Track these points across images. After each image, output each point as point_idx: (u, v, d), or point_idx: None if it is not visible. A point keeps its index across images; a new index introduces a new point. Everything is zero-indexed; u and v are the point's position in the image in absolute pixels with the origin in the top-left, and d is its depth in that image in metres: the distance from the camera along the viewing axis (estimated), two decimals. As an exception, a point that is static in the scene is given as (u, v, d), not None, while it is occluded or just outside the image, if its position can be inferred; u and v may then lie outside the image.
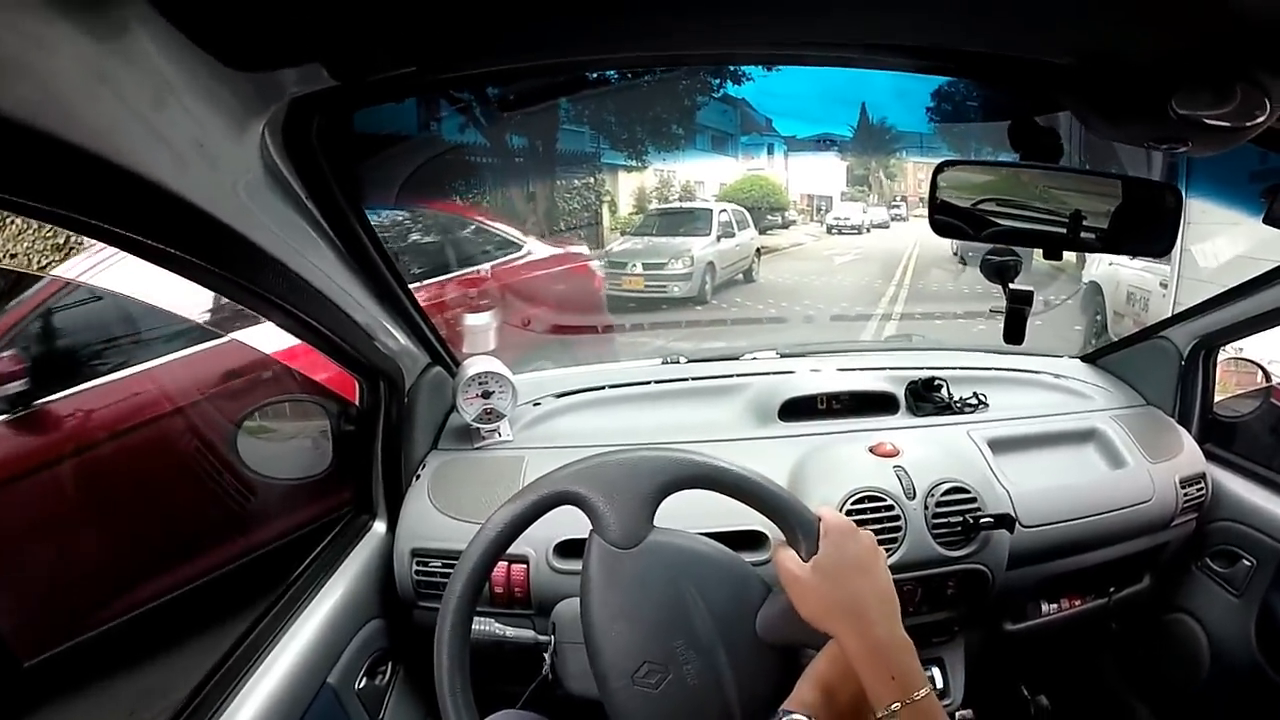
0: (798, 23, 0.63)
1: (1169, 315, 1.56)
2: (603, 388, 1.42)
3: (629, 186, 13.57)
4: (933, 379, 1.45)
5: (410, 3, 0.52)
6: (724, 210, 9.76)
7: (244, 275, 0.73)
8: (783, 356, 1.59)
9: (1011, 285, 0.94)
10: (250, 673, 0.88)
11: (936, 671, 1.23)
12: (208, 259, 0.65)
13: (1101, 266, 5.82)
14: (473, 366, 1.24)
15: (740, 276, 9.61)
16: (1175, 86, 0.61)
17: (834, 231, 16.66)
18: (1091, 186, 0.86)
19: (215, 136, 0.58)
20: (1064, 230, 0.86)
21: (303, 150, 0.73)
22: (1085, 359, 1.72)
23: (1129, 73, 0.64)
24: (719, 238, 8.93)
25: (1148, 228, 0.87)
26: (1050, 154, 0.81)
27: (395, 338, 1.13)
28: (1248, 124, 0.63)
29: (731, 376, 1.47)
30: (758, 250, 10.41)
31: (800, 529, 0.78)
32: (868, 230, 16.79)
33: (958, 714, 1.31)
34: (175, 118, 0.51)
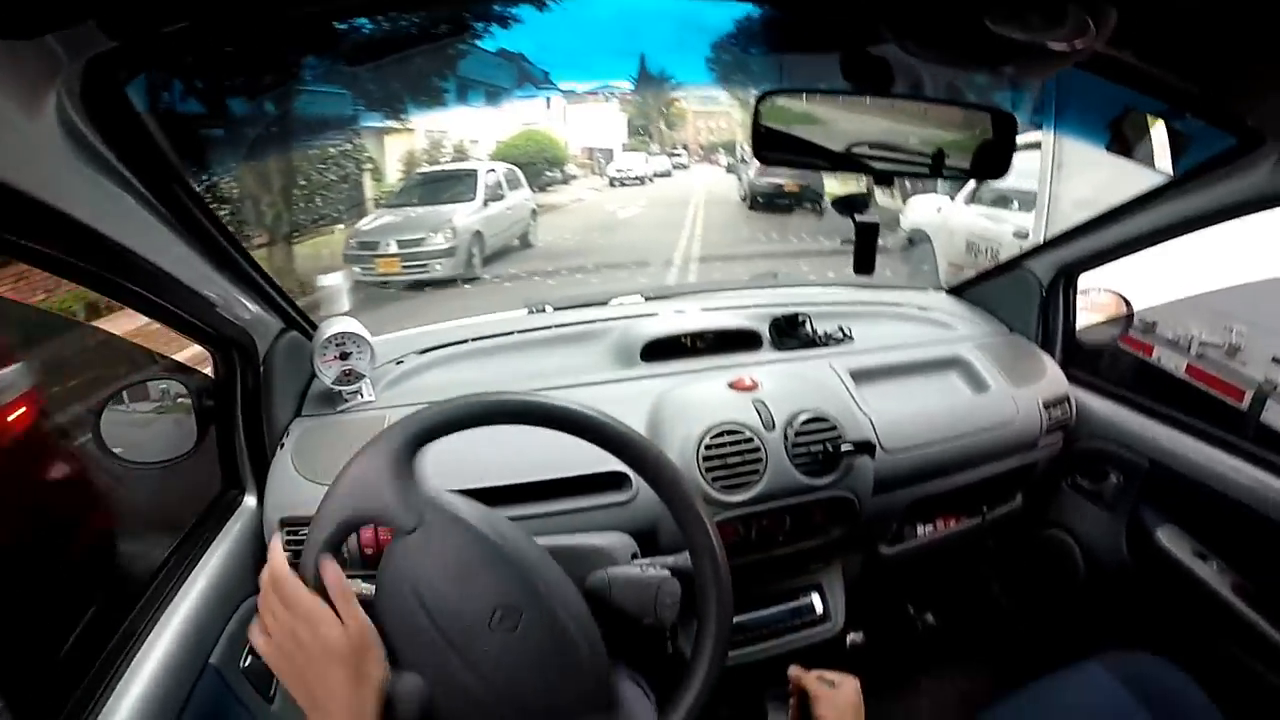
0: None
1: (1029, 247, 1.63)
2: (465, 341, 1.40)
3: (397, 151, 12.76)
4: (796, 315, 1.48)
5: None
6: (492, 170, 8.90)
7: (61, 248, 0.70)
8: (648, 300, 1.60)
9: (858, 217, 0.95)
10: (126, 663, 0.85)
11: (816, 596, 1.28)
12: (17, 232, 0.63)
13: (927, 213, 5.69)
14: (328, 329, 1.19)
15: (515, 242, 8.96)
16: (988, 5, 0.61)
17: (617, 184, 16.74)
18: (924, 114, 0.87)
19: (4, 107, 0.55)
20: (898, 157, 0.88)
21: (108, 115, 0.69)
22: (950, 291, 1.78)
23: None
24: (486, 201, 8.16)
25: (984, 152, 0.90)
26: (881, 83, 0.82)
27: (245, 305, 1.07)
28: (1068, 47, 0.64)
29: (596, 322, 1.47)
30: (533, 211, 9.78)
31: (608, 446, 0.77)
32: (651, 180, 17.30)
33: (848, 637, 1.37)
34: None
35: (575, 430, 0.77)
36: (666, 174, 18.59)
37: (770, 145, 0.83)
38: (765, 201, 12.30)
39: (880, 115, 0.85)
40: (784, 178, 11.97)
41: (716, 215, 12.10)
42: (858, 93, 0.83)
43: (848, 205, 0.95)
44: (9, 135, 0.57)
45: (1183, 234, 1.29)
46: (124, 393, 1.17)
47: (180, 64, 0.78)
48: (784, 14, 0.77)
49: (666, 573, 0.80)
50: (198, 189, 0.88)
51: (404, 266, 6.55)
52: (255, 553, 1.10)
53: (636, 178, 16.71)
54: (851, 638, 1.38)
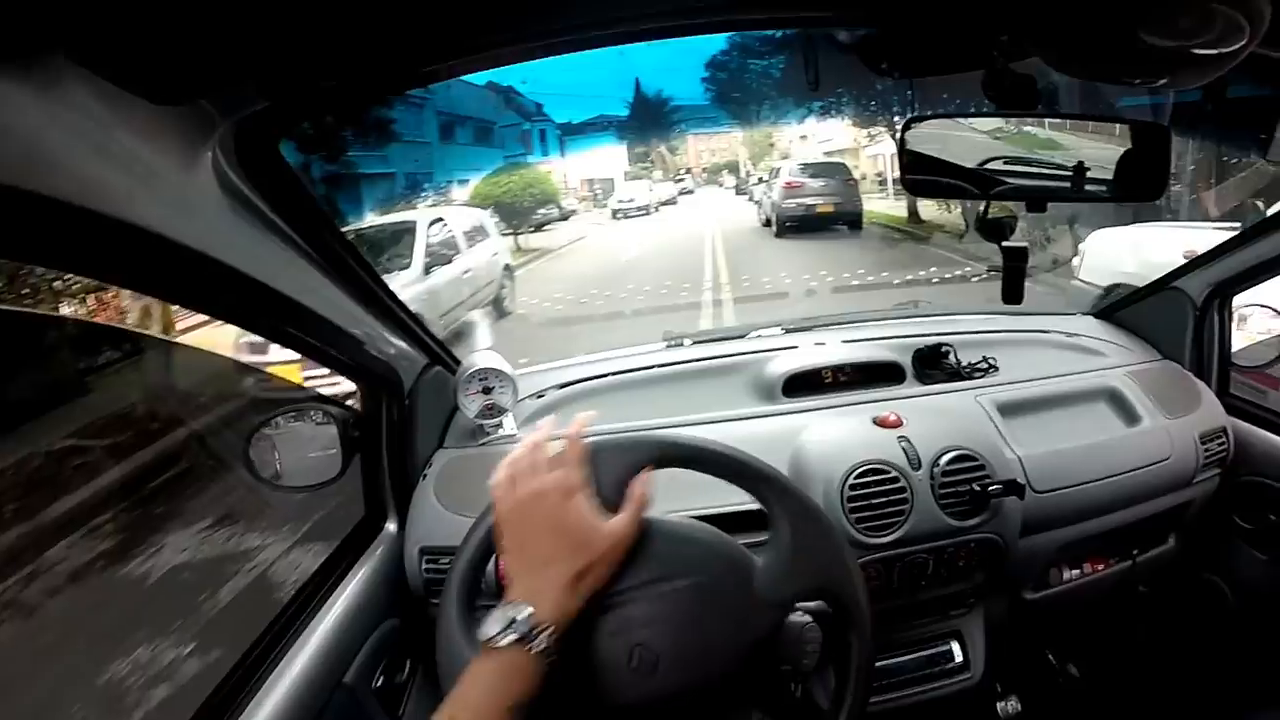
0: None
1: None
2: (605, 375, 1.41)
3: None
4: (939, 345, 1.43)
5: (318, 23, 0.54)
6: (440, 221, 6.62)
7: (221, 296, 0.75)
8: (788, 332, 1.58)
9: (1005, 243, 0.91)
10: (265, 676, 0.89)
11: (955, 644, 1.21)
12: (182, 283, 0.68)
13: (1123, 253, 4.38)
14: (472, 363, 1.25)
15: (479, 315, 6.62)
16: (1142, 15, 0.58)
17: (619, 215, 15.70)
18: (1077, 133, 0.84)
19: (165, 167, 0.59)
20: (1056, 181, 0.84)
21: (261, 168, 0.74)
22: (1098, 315, 1.68)
23: (1090, 4, 0.62)
24: (429, 268, 5.95)
25: (1138, 171, 0.85)
26: (1026, 101, 0.79)
27: (390, 342, 1.14)
28: (1224, 50, 0.61)
29: (735, 355, 1.46)
30: (507, 267, 7.74)
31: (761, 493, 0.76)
32: (656, 209, 16.29)
33: (1000, 705, 1.31)
34: (121, 156, 0.53)
35: (713, 469, 0.77)
36: (672, 201, 17.77)
37: (918, 173, 0.81)
38: (796, 225, 10.88)
39: (1024, 135, 0.82)
40: (816, 196, 10.77)
41: (740, 247, 10.86)
42: (1001, 113, 0.80)
43: (993, 230, 0.90)
44: (169, 192, 0.61)
45: None
46: (273, 420, 1.27)
47: (327, 119, 0.83)
48: (922, 36, 0.76)
49: (808, 618, 0.78)
50: (345, 234, 0.95)
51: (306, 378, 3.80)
52: (394, 578, 1.15)
53: (640, 208, 15.74)
54: (1005, 707, 1.29)
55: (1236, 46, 0.60)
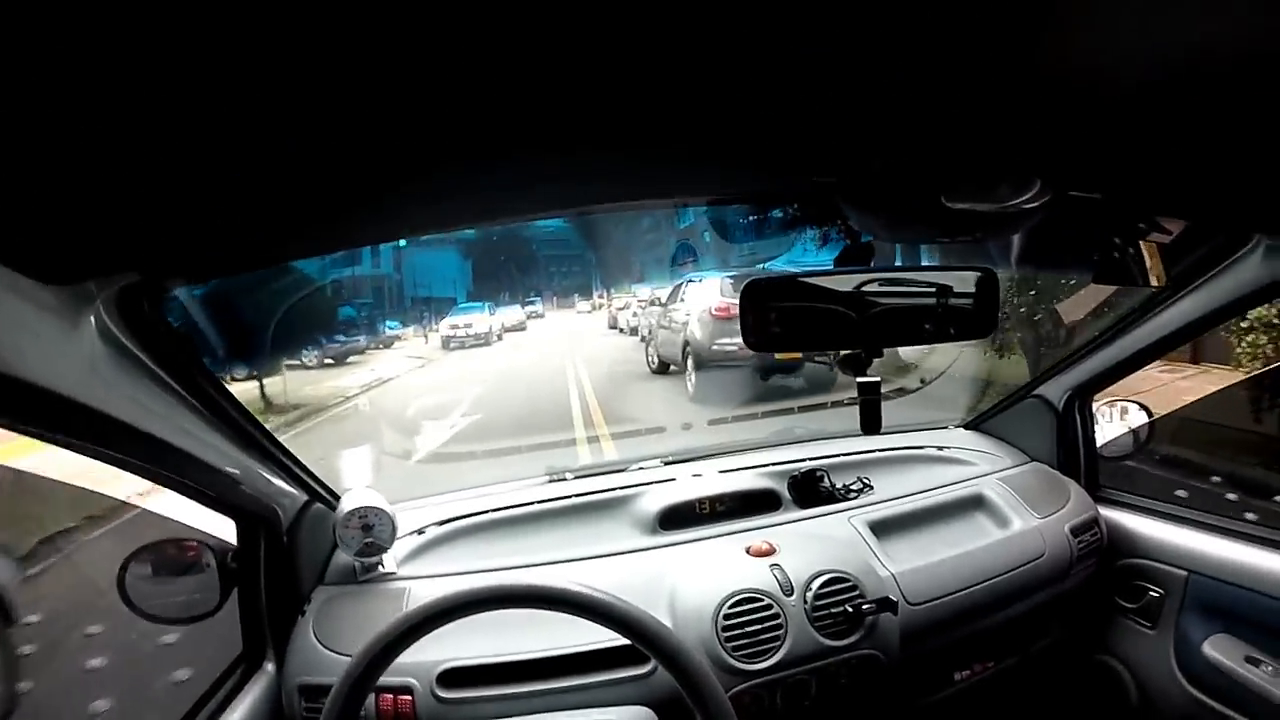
0: (602, 185, 0.68)
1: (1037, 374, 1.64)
2: (485, 512, 1.41)
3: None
4: (813, 470, 1.48)
5: (187, 210, 0.56)
6: None
7: (104, 442, 0.76)
8: (667, 464, 1.60)
9: (860, 379, 0.97)
10: None
11: None
12: (64, 430, 0.69)
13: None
14: (350, 501, 1.23)
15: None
16: (945, 185, 0.64)
17: (452, 345, 12.47)
18: (907, 283, 0.91)
19: (49, 331, 0.61)
20: (905, 325, 0.91)
21: (143, 326, 0.75)
22: (968, 426, 1.78)
23: (894, 181, 0.67)
24: None
25: (968, 312, 0.92)
26: (862, 256, 0.86)
27: (268, 481, 1.12)
28: (1022, 206, 0.66)
29: (615, 490, 1.48)
30: None
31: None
32: (499, 336, 13.37)
33: None
34: (7, 322, 0.55)
35: (577, 611, 0.79)
36: (519, 327, 15.00)
37: (764, 334, 0.85)
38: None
39: (868, 287, 0.88)
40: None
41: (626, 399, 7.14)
42: (842, 270, 0.86)
43: (851, 365, 0.96)
44: (51, 349, 0.62)
45: (1188, 339, 1.30)
46: (149, 549, 1.21)
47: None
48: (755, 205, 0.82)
49: None
50: (220, 380, 0.95)
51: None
52: (272, 717, 1.10)
53: (478, 336, 12.68)
54: None
55: (1042, 202, 0.66)
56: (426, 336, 13.83)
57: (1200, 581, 1.32)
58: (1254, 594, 1.21)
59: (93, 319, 0.68)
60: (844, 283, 0.87)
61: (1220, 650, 1.26)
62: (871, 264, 0.86)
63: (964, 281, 0.92)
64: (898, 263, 0.98)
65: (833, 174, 0.69)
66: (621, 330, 12.91)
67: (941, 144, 0.61)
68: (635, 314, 11.98)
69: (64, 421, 0.67)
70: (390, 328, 13.80)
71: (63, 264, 0.58)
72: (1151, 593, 1.41)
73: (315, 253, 0.77)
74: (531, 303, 17.71)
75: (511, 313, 15.78)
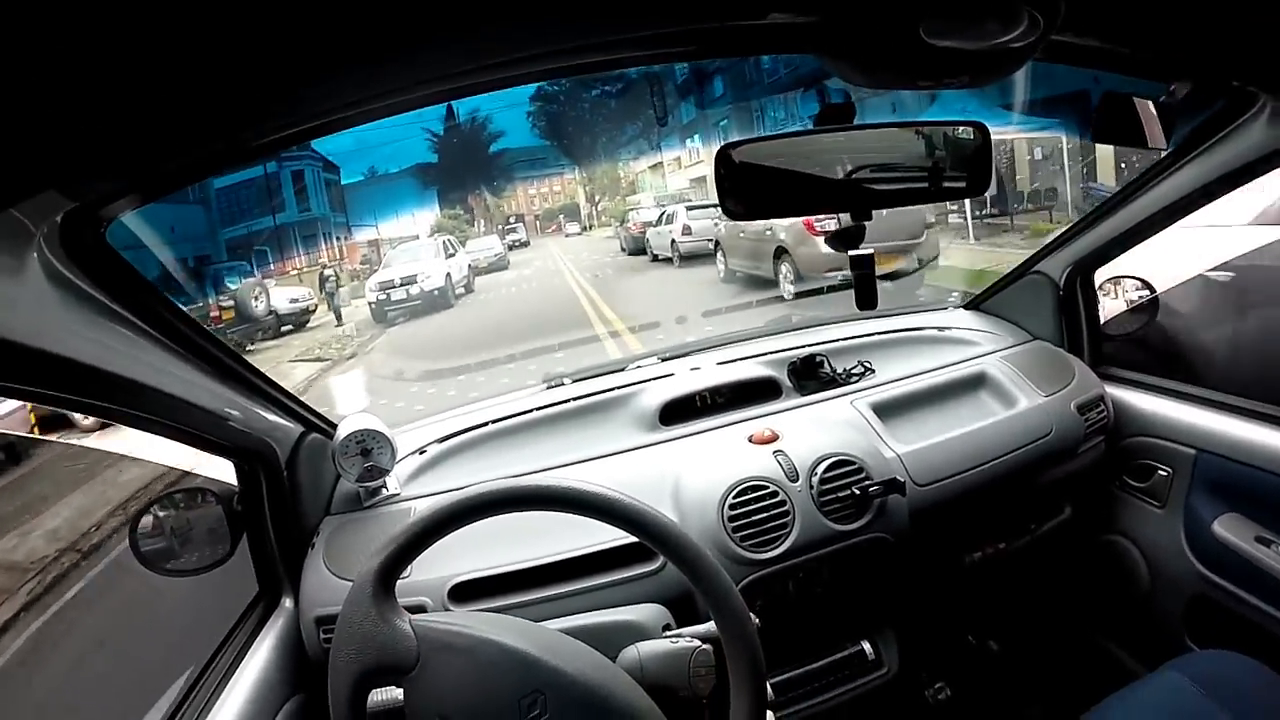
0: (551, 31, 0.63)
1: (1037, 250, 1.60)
2: (486, 424, 1.40)
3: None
4: (812, 356, 1.46)
5: (112, 120, 0.52)
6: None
7: (71, 389, 0.73)
8: (664, 360, 1.59)
9: (852, 253, 0.93)
10: None
11: (866, 644, 1.23)
12: (20, 381, 0.66)
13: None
14: (346, 427, 1.22)
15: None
16: (924, 16, 0.58)
17: (390, 314, 8.93)
18: (894, 140, 0.87)
19: None
20: (897, 181, 0.87)
21: (90, 259, 0.72)
22: (968, 306, 1.75)
23: (864, 12, 0.62)
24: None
25: (961, 169, 0.88)
26: (842, 115, 0.81)
27: (260, 416, 1.10)
28: (1018, 45, 0.62)
29: (613, 390, 1.46)
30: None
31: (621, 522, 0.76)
32: (464, 290, 9.92)
33: (933, 692, 1.35)
34: None
35: (580, 510, 0.77)
36: (498, 265, 11.85)
37: (739, 200, 0.81)
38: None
39: (853, 146, 0.84)
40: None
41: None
42: (823, 129, 0.82)
43: (842, 240, 0.92)
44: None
45: (1190, 210, 1.25)
46: (155, 505, 1.21)
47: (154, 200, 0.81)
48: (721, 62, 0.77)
49: (698, 643, 0.78)
50: (189, 312, 0.91)
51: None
52: (295, 652, 1.11)
53: (429, 291, 8.85)
54: (932, 694, 1.32)
55: (1031, 40, 0.61)
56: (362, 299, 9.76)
57: (1209, 460, 1.30)
58: (1264, 473, 1.20)
59: (35, 257, 0.64)
60: (826, 142, 0.82)
61: (1230, 530, 1.26)
62: (853, 122, 0.82)
63: (954, 136, 0.88)
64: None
65: (794, 9, 0.64)
66: (656, 256, 10.26)
67: None
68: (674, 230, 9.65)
69: (21, 371, 0.65)
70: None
71: None
72: (1160, 471, 1.40)
73: (254, 153, 0.72)
74: (513, 229, 15.11)
75: (484, 246, 12.33)
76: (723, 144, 0.79)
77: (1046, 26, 0.60)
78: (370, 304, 9.04)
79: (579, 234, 16.44)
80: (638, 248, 11.25)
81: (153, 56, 0.46)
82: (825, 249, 5.24)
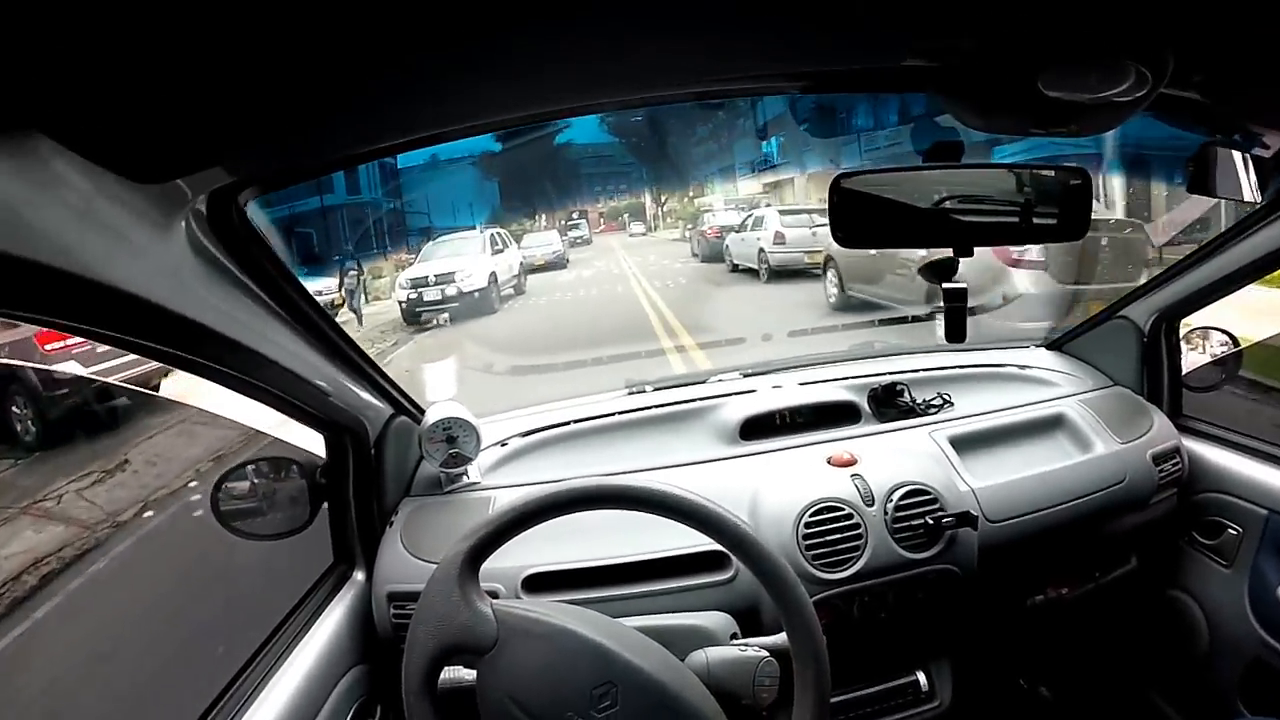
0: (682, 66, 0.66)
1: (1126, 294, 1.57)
2: (568, 423, 1.43)
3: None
4: (894, 384, 1.46)
5: (274, 111, 0.58)
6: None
7: (194, 351, 0.78)
8: (746, 376, 1.60)
9: (946, 285, 0.94)
10: None
11: (921, 675, 1.23)
12: (157, 340, 0.71)
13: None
14: (435, 413, 1.26)
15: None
16: (1040, 69, 0.61)
17: (422, 316, 7.87)
18: (997, 181, 0.88)
19: (141, 233, 0.63)
20: (989, 221, 0.88)
21: (229, 234, 0.77)
22: (1050, 346, 1.72)
23: (988, 62, 0.65)
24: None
25: (1060, 214, 0.89)
26: (951, 154, 0.83)
27: (355, 394, 1.16)
28: (1127, 99, 0.63)
29: (695, 401, 1.48)
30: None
31: (713, 532, 0.78)
32: (511, 291, 8.64)
33: None
34: (98, 224, 0.56)
35: (668, 513, 0.80)
36: (557, 263, 10.89)
37: (849, 227, 0.84)
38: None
39: (959, 185, 0.85)
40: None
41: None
42: (931, 166, 0.84)
43: (936, 272, 0.93)
44: (144, 255, 0.64)
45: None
46: (241, 469, 1.28)
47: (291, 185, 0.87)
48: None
49: (765, 654, 0.80)
50: (310, 291, 0.97)
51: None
52: (363, 624, 1.16)
53: (458, 293, 7.66)
54: None
55: (1140, 94, 0.63)
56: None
57: None
58: None
59: (183, 224, 0.69)
60: (933, 179, 0.84)
61: None
62: (961, 160, 0.83)
63: (1057, 181, 0.89)
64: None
65: (925, 56, 0.67)
66: (736, 266, 8.95)
67: (1036, 23, 0.58)
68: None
69: (152, 329, 0.69)
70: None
71: (152, 161, 0.59)
72: (1230, 529, 1.36)
73: (387, 152, 0.79)
74: (575, 225, 14.06)
75: (542, 241, 11.07)
76: (838, 173, 0.82)
77: (1155, 82, 0.62)
78: (400, 304, 7.82)
79: (643, 234, 15.85)
80: (713, 254, 10.16)
81: (316, 59, 0.51)
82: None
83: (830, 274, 6.74)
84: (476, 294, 7.78)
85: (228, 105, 0.55)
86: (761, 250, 8.31)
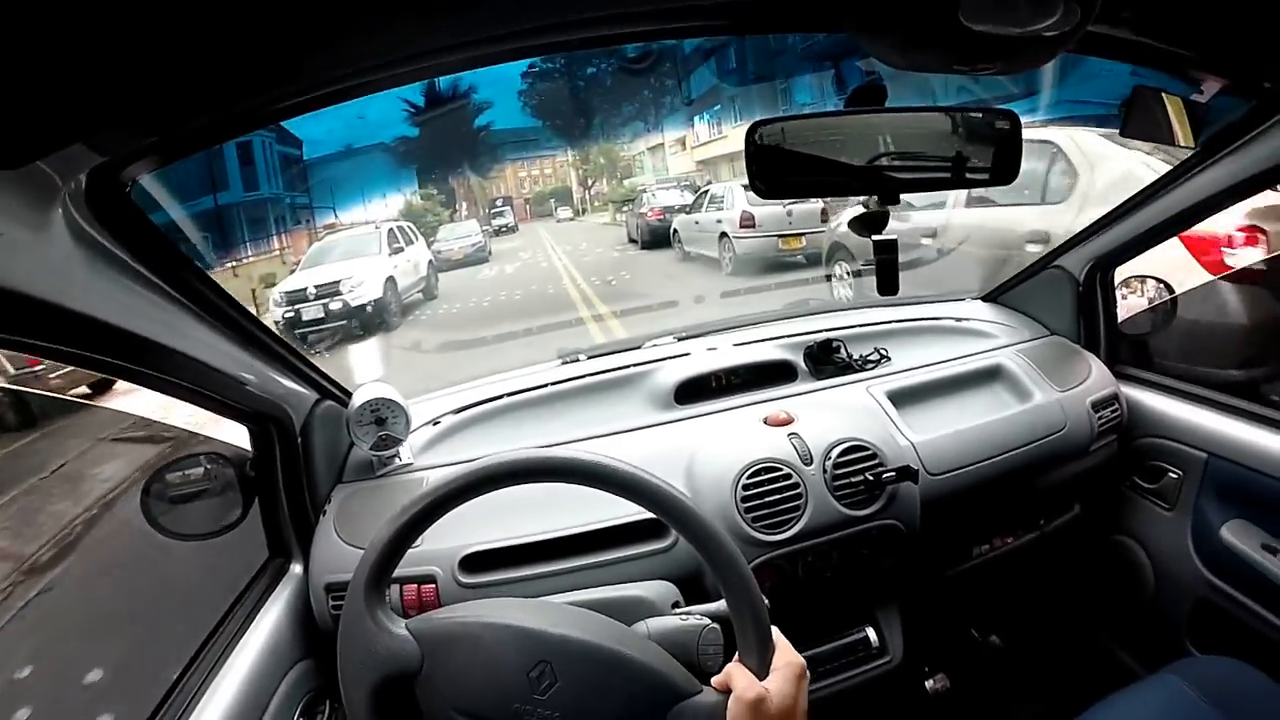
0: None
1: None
2: (500, 397, 1.40)
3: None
4: (829, 341, 1.46)
5: (135, 69, 0.52)
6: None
7: (92, 349, 0.74)
8: (680, 340, 1.59)
9: (876, 237, 0.92)
10: None
11: (871, 631, 1.23)
12: (49, 339, 0.67)
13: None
14: (360, 395, 1.22)
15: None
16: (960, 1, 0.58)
17: (297, 331, 6.53)
18: (924, 125, 0.86)
19: (14, 223, 0.59)
20: (920, 167, 0.86)
21: (116, 217, 0.72)
22: (985, 298, 1.74)
23: None
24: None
25: (990, 157, 0.87)
26: (875, 97, 0.81)
27: (277, 381, 1.11)
28: (1054, 34, 0.61)
29: (629, 367, 1.46)
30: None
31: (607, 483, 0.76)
32: (422, 290, 7.79)
33: (933, 683, 1.35)
34: None
35: (595, 483, 0.77)
36: (476, 258, 9.79)
37: (769, 178, 0.81)
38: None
39: (883, 129, 0.83)
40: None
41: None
42: (854, 110, 0.81)
43: (866, 224, 0.91)
44: (22, 251, 0.60)
45: (1213, 211, 1.25)
46: (167, 469, 1.22)
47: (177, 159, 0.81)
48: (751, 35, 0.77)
49: (707, 621, 0.78)
50: (209, 274, 0.91)
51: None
52: (303, 617, 1.12)
53: (345, 309, 6.46)
54: (933, 685, 1.33)
55: (1068, 29, 0.61)
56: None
57: (1220, 465, 1.30)
58: (1274, 480, 1.20)
59: (59, 212, 0.65)
60: (856, 125, 0.82)
61: (1237, 536, 1.26)
62: (884, 105, 0.81)
63: (984, 124, 0.87)
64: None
65: None
66: (689, 254, 7.96)
67: None
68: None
69: (40, 327, 0.65)
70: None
71: (8, 142, 0.54)
72: (1170, 474, 1.40)
73: (271, 117, 0.73)
74: (500, 213, 13.55)
75: (460, 234, 9.87)
76: (754, 120, 0.79)
77: (1083, 17, 0.60)
78: (276, 324, 6.15)
79: (571, 219, 15.03)
80: (655, 239, 8.92)
81: (180, 15, 0.46)
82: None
83: (838, 266, 5.44)
84: (369, 307, 6.48)
85: (75, 66, 0.49)
86: (724, 236, 7.10)
